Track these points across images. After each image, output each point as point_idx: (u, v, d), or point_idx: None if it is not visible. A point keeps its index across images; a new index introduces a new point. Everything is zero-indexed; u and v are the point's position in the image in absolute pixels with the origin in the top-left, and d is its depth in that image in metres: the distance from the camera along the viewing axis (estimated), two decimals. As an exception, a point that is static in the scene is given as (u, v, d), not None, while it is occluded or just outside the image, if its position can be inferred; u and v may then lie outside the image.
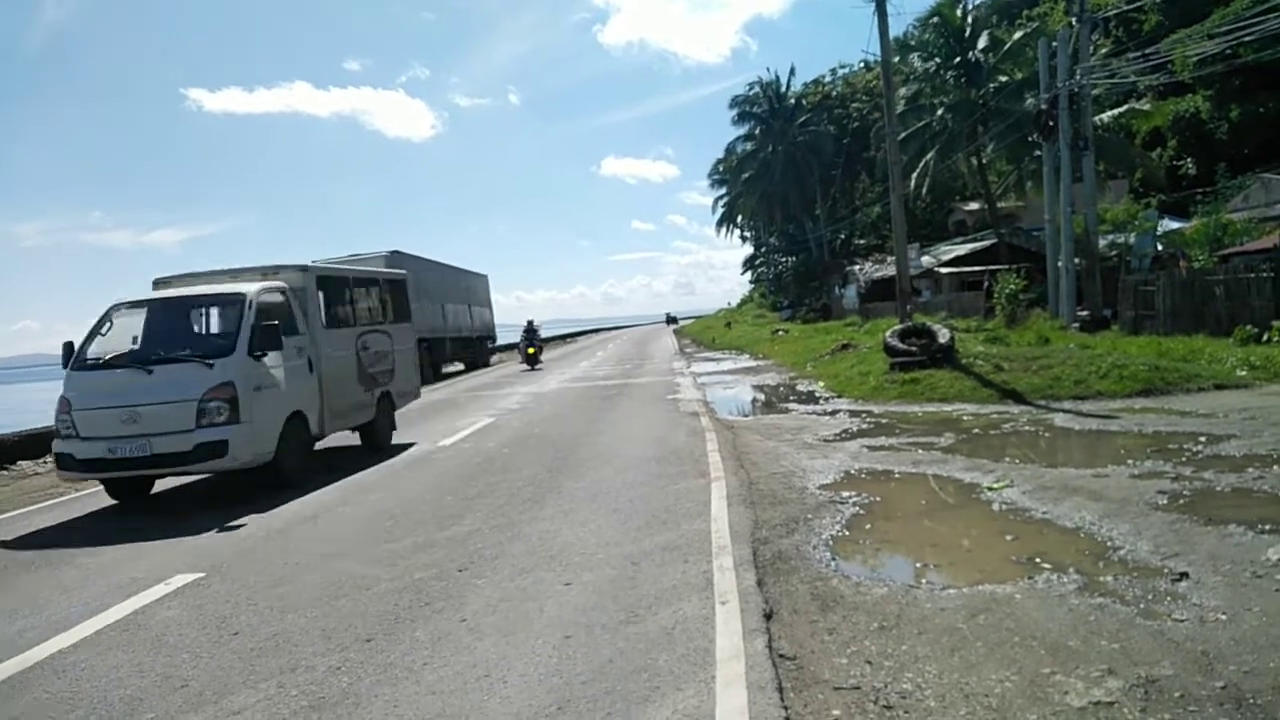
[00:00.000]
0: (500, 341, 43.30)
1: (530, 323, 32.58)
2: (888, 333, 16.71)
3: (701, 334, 53.33)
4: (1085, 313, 21.80)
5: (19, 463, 14.61)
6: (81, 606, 5.60)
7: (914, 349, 15.49)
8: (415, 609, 5.09)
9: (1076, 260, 22.48)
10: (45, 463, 15.09)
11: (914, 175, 34.20)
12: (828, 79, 64.19)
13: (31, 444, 15.77)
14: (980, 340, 17.91)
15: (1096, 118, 25.39)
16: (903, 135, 30.63)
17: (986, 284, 30.16)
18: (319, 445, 11.10)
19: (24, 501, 10.38)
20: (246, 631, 4.90)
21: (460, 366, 34.57)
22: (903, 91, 34.91)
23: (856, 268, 44.83)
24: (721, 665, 3.92)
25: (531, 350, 31.46)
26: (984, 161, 35.27)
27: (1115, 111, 30.49)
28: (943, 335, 15.73)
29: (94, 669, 4.52)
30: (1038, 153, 26.62)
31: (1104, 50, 27.78)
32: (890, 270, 33.71)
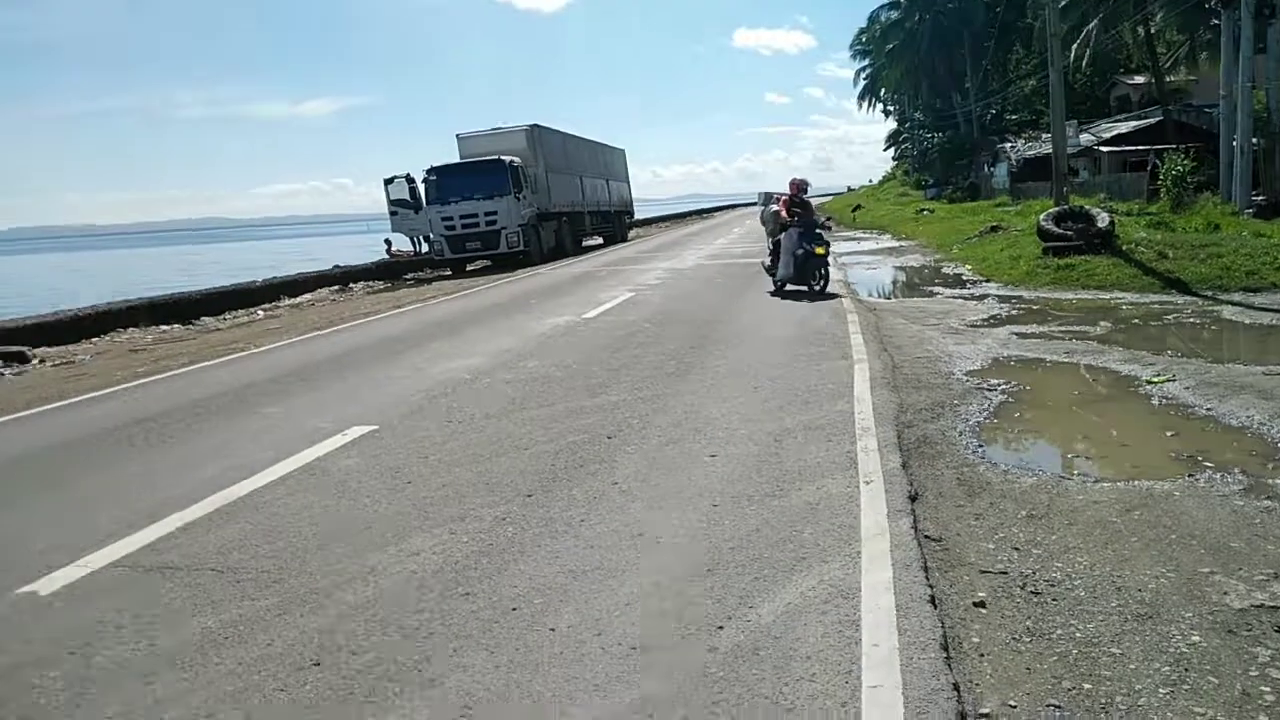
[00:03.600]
0: (638, 216, 43.28)
1: (799, 189, 14.72)
2: (1042, 215, 15.95)
3: (839, 212, 51.96)
4: (1261, 198, 20.10)
5: (202, 318, 15.84)
6: (271, 451, 6.16)
7: (1070, 233, 14.75)
8: (570, 470, 5.40)
9: (1255, 140, 20.60)
10: (225, 318, 16.33)
11: (1074, 46, 31.62)
12: (983, -59, 59.36)
13: (210, 302, 17.03)
14: (1142, 225, 16.87)
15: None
16: (1063, 2, 28.23)
17: (1151, 165, 28.09)
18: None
19: (210, 354, 11.30)
20: (418, 481, 5.32)
21: (599, 240, 34.95)
22: (1064, -46, 31.99)
23: (1008, 145, 42.34)
24: (866, 542, 4.04)
25: (821, 250, 13.73)
26: (1152, 31, 32.20)
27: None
28: (1102, 219, 14.90)
29: (287, 507, 5.02)
30: (1215, 21, 24.17)
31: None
32: (1045, 148, 31.75)
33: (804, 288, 13.71)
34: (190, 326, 15.28)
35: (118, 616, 3.76)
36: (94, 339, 14.08)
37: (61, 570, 4.30)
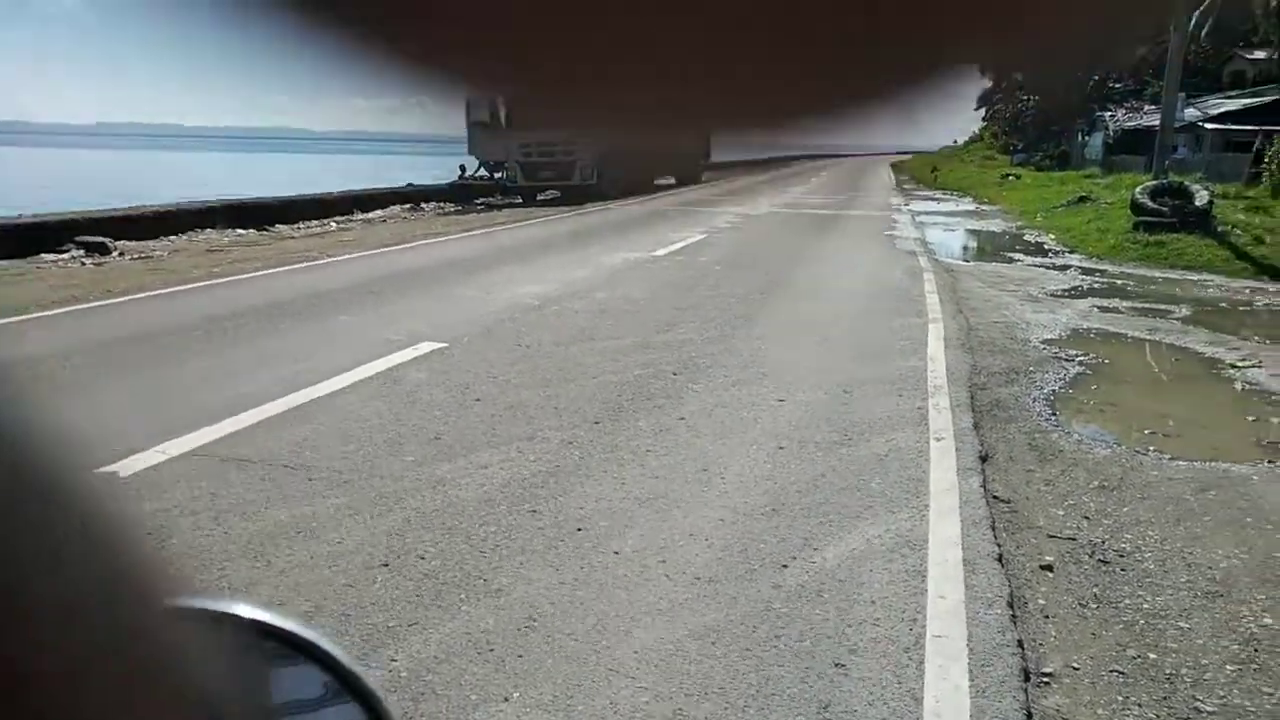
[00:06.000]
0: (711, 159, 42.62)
1: None
2: (1137, 189, 15.37)
3: (919, 171, 50.85)
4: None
5: (276, 225, 16.10)
6: (344, 358, 6.26)
7: (1165, 209, 14.21)
8: (637, 401, 5.41)
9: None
10: (299, 227, 16.58)
11: (1196, 14, 30.19)
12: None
13: (285, 210, 17.29)
14: (1240, 208, 16.18)
15: None
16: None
17: (1257, 146, 26.87)
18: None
19: (286, 260, 11.50)
20: (487, 400, 5.38)
21: (672, 180, 34.63)
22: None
23: (1107, 114, 40.82)
24: (935, 497, 4.00)
25: None
26: (1285, 1, 30.62)
27: None
28: (1200, 197, 14.33)
29: (360, 413, 5.12)
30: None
31: None
32: (1145, 120, 30.63)
33: None
34: (265, 232, 15.50)
35: (193, 503, 3.88)
36: (172, 236, 14.36)
37: (140, 455, 4.43)
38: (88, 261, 11.75)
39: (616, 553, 3.40)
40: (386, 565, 3.30)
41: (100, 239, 12.70)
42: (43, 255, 11.88)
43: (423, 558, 3.36)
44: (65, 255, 12.03)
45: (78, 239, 12.53)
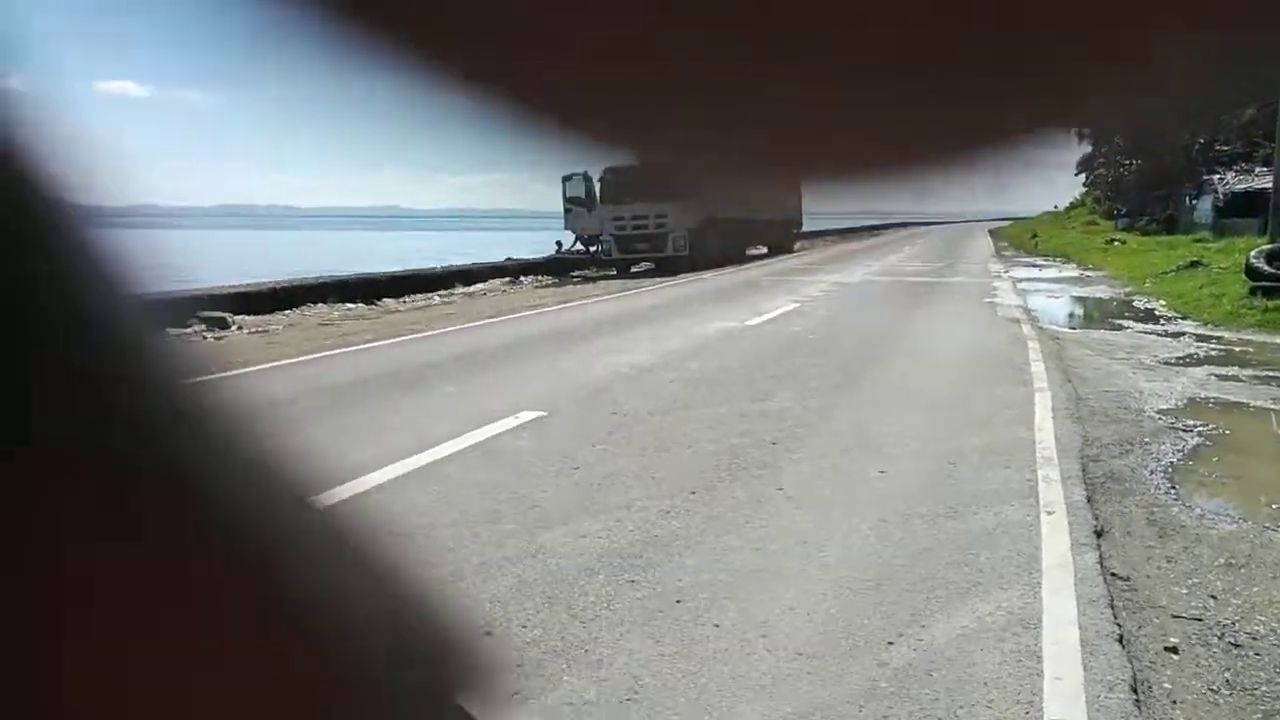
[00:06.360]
0: (805, 228, 42.70)
1: None
2: (1252, 253, 14.78)
3: (1018, 238, 49.90)
4: None
5: (383, 299, 16.71)
6: (447, 427, 6.41)
7: (1284, 273, 13.63)
8: (734, 471, 5.39)
9: None
10: (404, 301, 17.18)
11: (1308, 72, 29.18)
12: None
13: (391, 285, 17.95)
14: (1368, 271, 15.43)
15: None
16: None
17: (1385, 207, 25.61)
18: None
19: (391, 334, 11.92)
20: (585, 468, 5.43)
21: (763, 250, 34.74)
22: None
23: (1216, 177, 39.50)
24: (1048, 573, 3.85)
25: None
26: (1407, 58, 29.32)
27: None
28: (1322, 261, 13.73)
29: (460, 481, 5.22)
30: None
31: None
32: (1257, 183, 29.54)
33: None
34: (373, 306, 16.12)
35: (306, 566, 3.99)
36: (286, 311, 15.04)
37: (257, 519, 4.61)
38: (209, 336, 12.38)
39: (717, 625, 3.37)
40: (489, 633, 3.33)
41: (220, 314, 13.39)
42: (167, 330, 12.55)
43: (524, 626, 3.38)
44: (188, 330, 12.66)
45: (199, 314, 13.22)
